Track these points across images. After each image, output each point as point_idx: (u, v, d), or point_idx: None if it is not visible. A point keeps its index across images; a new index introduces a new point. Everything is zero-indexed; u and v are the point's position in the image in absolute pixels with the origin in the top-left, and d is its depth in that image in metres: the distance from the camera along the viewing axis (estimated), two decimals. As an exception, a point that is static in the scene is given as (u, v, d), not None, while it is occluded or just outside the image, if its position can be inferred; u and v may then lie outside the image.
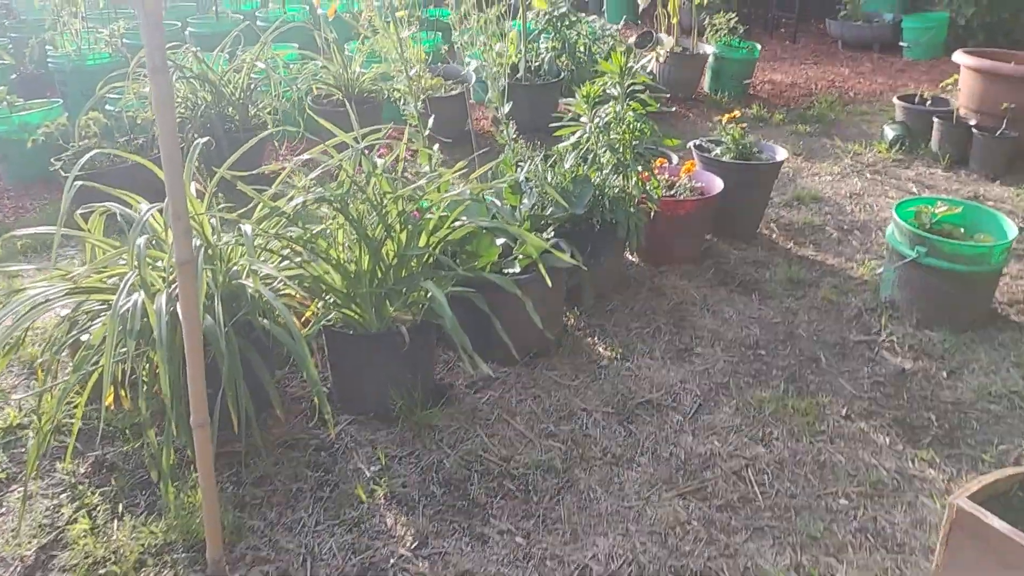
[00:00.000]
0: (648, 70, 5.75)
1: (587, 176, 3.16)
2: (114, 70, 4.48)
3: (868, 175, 4.71)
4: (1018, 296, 3.41)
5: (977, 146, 4.66)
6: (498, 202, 3.19)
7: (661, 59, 3.35)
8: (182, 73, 4.35)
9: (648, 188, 3.27)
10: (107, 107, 4.58)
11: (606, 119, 3.18)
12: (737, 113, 3.96)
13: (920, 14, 7.26)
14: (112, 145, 4.32)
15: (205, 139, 2.80)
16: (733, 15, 6.09)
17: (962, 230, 3.26)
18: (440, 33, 6.94)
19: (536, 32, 5.49)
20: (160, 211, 2.33)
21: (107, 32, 5.29)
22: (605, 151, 3.19)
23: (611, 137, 3.19)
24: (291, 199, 2.58)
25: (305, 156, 2.73)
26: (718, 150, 3.87)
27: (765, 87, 6.36)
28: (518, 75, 5.18)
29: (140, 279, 2.20)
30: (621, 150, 3.18)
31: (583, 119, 3.27)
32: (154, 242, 2.46)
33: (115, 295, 2.16)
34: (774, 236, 3.97)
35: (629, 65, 3.17)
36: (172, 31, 6.31)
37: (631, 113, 3.18)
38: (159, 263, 2.41)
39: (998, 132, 4.60)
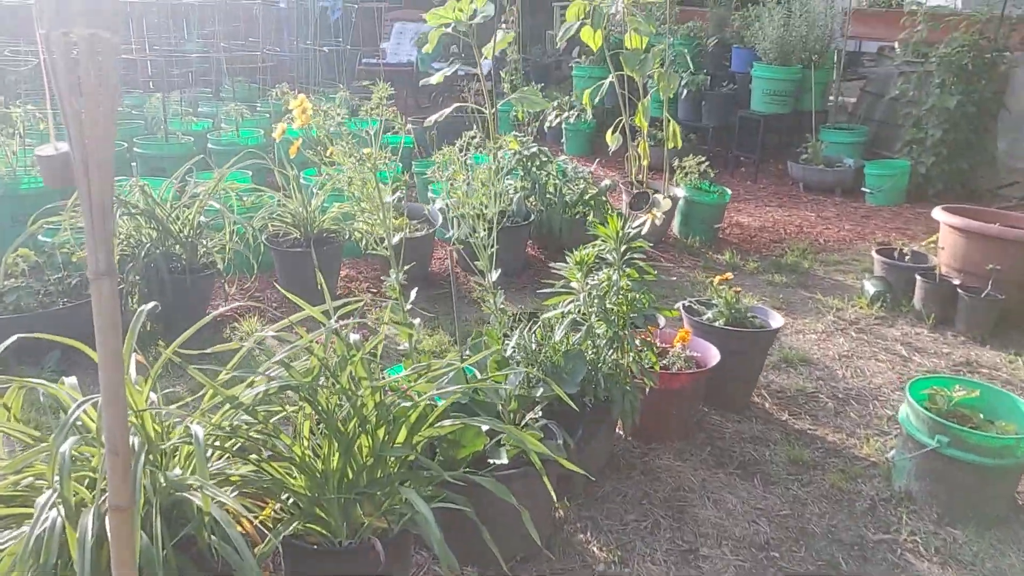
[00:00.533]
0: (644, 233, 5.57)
1: (580, 351, 2.85)
2: (51, 199, 4.12)
3: (853, 334, 4.50)
4: (1037, 485, 3.15)
5: (963, 307, 4.50)
6: (478, 372, 2.87)
7: (659, 222, 3.12)
8: (127, 210, 4.00)
9: (644, 362, 2.97)
10: (42, 237, 4.19)
11: (601, 289, 2.90)
12: (729, 275, 3.72)
13: (882, 161, 7.29)
14: (43, 285, 3.92)
15: (151, 305, 2.43)
16: (702, 158, 6.00)
17: (981, 415, 3.02)
18: (399, 162, 6.74)
19: (505, 171, 5.28)
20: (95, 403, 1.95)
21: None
22: (600, 323, 2.89)
23: (606, 307, 2.90)
24: (250, 384, 2.22)
25: (270, 333, 2.36)
26: (709, 314, 3.61)
27: (734, 231, 6.23)
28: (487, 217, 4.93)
29: (62, 497, 1.79)
30: (617, 322, 2.89)
31: (574, 285, 2.99)
32: (86, 429, 2.06)
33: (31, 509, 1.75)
34: (767, 405, 3.69)
35: (627, 231, 2.91)
36: (118, 152, 5.98)
37: (627, 281, 2.91)
38: (90, 457, 2.01)
39: (984, 293, 4.45)
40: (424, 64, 11.45)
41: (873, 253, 5.08)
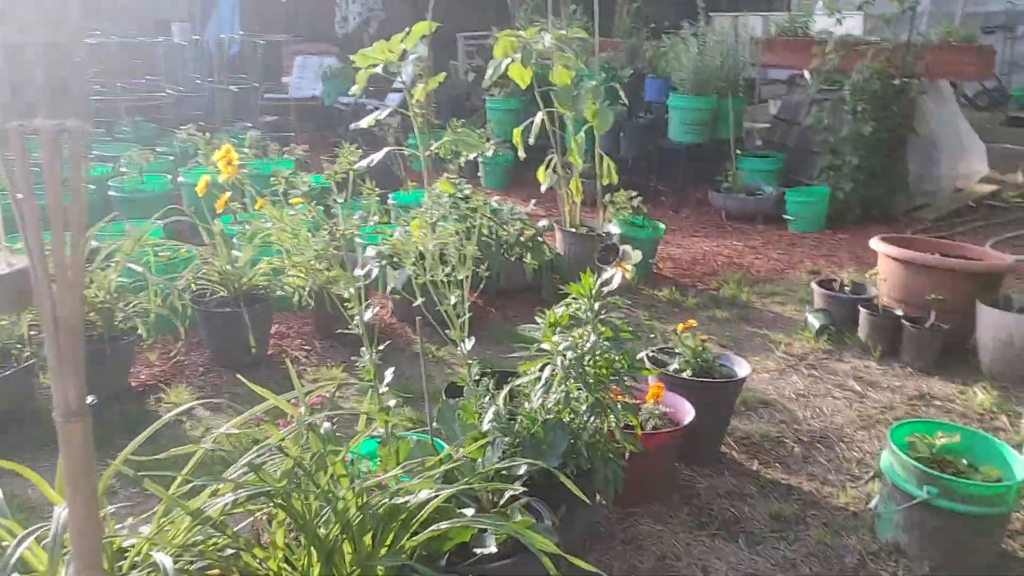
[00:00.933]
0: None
1: (560, 420, 2.66)
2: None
3: (804, 370, 4.44)
4: (1017, 527, 3.10)
5: (908, 338, 4.50)
6: (445, 444, 2.65)
7: (629, 275, 2.96)
8: (35, 276, 3.62)
9: (625, 426, 2.80)
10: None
11: (578, 351, 2.71)
12: (694, 323, 3.59)
13: (802, 188, 7.37)
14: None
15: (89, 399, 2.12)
16: (633, 192, 5.91)
17: (964, 460, 2.96)
18: (321, 205, 6.44)
19: (439, 215, 5.07)
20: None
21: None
22: (577, 387, 2.71)
23: (584, 370, 2.72)
24: (215, 492, 1.95)
25: (230, 430, 2.09)
26: (675, 364, 3.48)
27: (668, 265, 6.16)
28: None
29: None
30: (596, 386, 2.72)
31: (546, 346, 2.81)
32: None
33: None
34: (735, 455, 3.57)
35: (600, 288, 2.75)
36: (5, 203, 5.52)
37: (606, 342, 2.73)
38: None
39: (928, 324, 4.46)
40: (330, 98, 11.15)
41: (813, 285, 5.06)
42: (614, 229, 5.68)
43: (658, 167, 8.09)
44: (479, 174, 8.86)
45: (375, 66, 4.36)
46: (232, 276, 4.15)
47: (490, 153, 8.35)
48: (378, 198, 6.41)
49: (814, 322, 4.84)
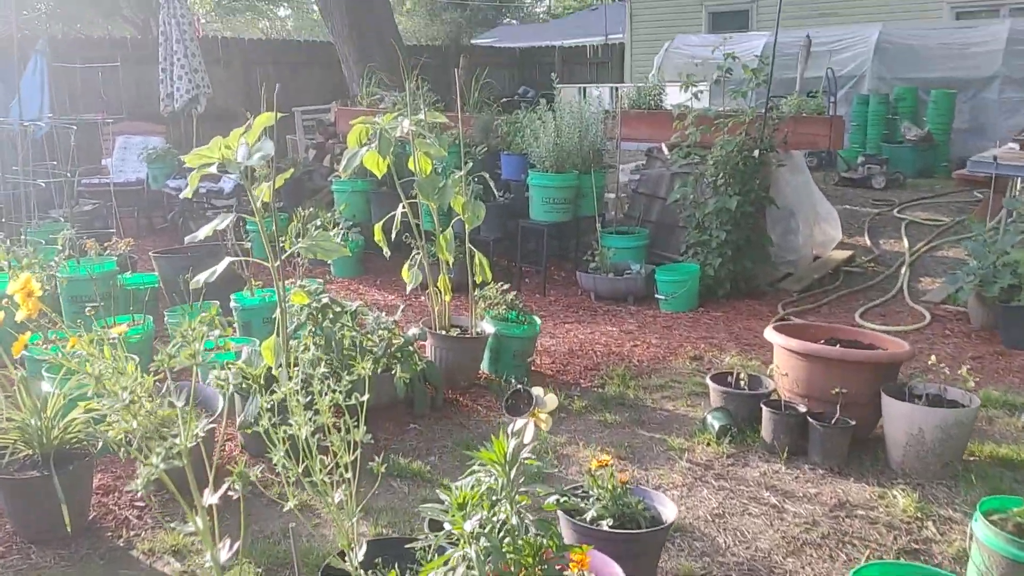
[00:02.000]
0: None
1: (480, 631, 2.09)
2: None
3: (713, 482, 4.04)
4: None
5: (815, 436, 4.19)
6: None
7: (545, 427, 2.44)
8: None
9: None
10: None
11: (490, 532, 2.16)
12: (608, 459, 3.11)
13: (672, 266, 7.13)
14: None
15: None
16: (505, 284, 5.46)
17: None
18: (150, 315, 5.64)
19: (292, 327, 4.42)
20: None
21: None
22: (498, 583, 2.15)
23: (506, 555, 2.16)
24: None
25: None
26: (592, 511, 2.97)
27: (544, 360, 5.70)
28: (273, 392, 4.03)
29: None
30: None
31: (451, 528, 2.24)
32: None
33: None
34: (664, 606, 3.09)
35: (514, 452, 2.22)
36: None
37: (528, 518, 2.19)
38: None
39: (833, 420, 4.17)
40: (157, 182, 10.23)
41: (708, 381, 4.70)
42: (488, 327, 5.19)
43: (522, 248, 7.70)
44: (328, 262, 8.22)
45: (209, 165, 3.74)
46: (38, 431, 3.35)
47: (339, 240, 7.77)
48: (216, 305, 5.69)
49: (714, 423, 4.47)
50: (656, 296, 6.91)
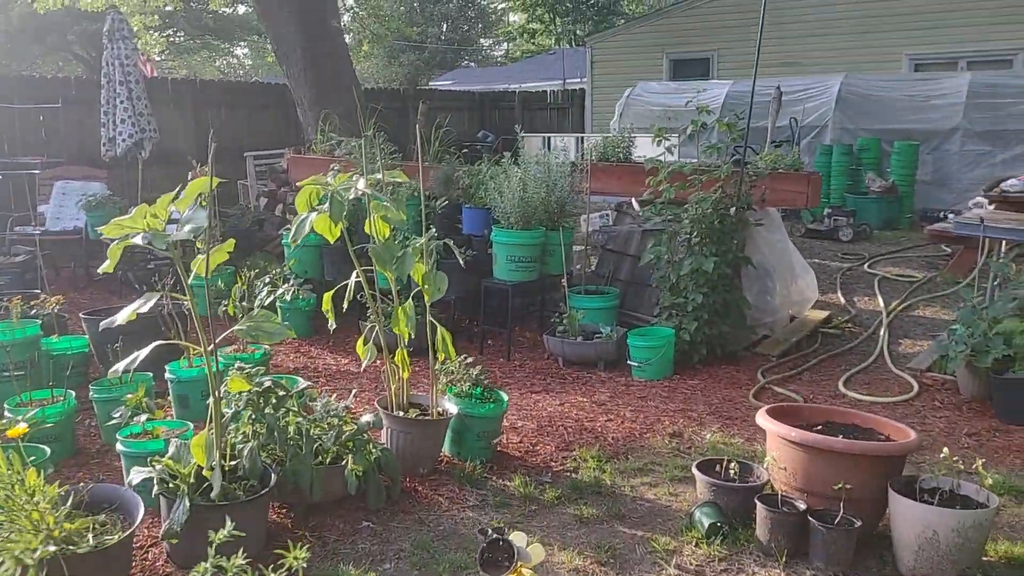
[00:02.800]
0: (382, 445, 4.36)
1: None
2: None
3: (707, 594, 3.59)
4: None
5: (817, 539, 3.75)
6: None
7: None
8: None
9: None
10: None
11: None
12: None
13: (645, 330, 6.71)
14: None
15: None
16: (469, 358, 4.99)
17: None
18: (70, 391, 5.06)
19: (229, 414, 3.90)
20: None
21: None
22: None
23: None
24: None
25: None
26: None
27: (512, 439, 5.22)
28: (210, 492, 3.50)
29: None
30: None
31: None
32: None
33: None
34: None
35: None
36: None
37: None
38: None
39: (837, 519, 3.75)
40: (96, 232, 9.61)
41: (695, 471, 4.26)
42: (451, 407, 4.71)
43: (485, 309, 7.24)
44: (284, 320, 7.67)
45: (132, 236, 3.25)
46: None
47: (288, 297, 7.26)
48: (149, 377, 5.16)
49: (703, 519, 4.02)
50: (628, 362, 6.48)
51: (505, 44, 46.81)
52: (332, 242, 4.45)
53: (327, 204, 4.18)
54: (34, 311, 6.54)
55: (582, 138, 11.00)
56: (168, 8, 21.72)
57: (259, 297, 7.26)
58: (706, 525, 3.99)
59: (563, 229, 7.08)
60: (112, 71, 9.83)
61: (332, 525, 4.03)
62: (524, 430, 5.39)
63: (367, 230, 4.59)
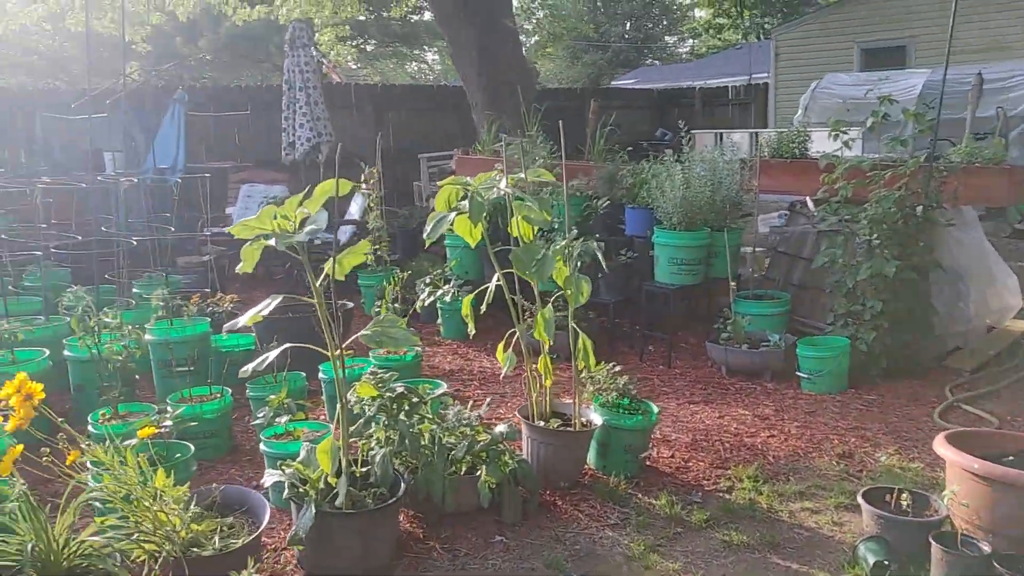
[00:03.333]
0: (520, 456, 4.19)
1: None
2: None
3: (866, 642, 3.18)
4: None
5: (1006, 588, 3.27)
6: None
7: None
8: None
9: None
10: None
11: None
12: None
13: (816, 338, 6.22)
14: None
15: None
16: (616, 366, 4.75)
17: None
18: (227, 388, 5.20)
19: (363, 420, 3.85)
20: None
21: None
22: None
23: None
24: None
25: None
26: None
27: (662, 453, 4.93)
28: (336, 499, 3.45)
29: None
30: None
31: None
32: None
33: None
34: None
35: None
36: None
37: None
38: None
39: (1029, 566, 3.25)
40: (277, 232, 10.03)
41: (860, 500, 3.84)
42: (595, 417, 4.49)
43: (646, 313, 6.95)
44: (438, 321, 7.71)
45: (266, 237, 3.24)
46: (45, 554, 2.87)
47: (448, 299, 7.26)
48: (302, 377, 5.23)
49: (868, 556, 3.60)
50: (797, 373, 6.02)
51: (690, 41, 45.77)
52: (473, 245, 4.33)
53: (466, 204, 4.05)
54: (210, 309, 6.84)
55: (756, 133, 10.43)
56: (361, 18, 22.62)
57: (420, 298, 7.30)
58: (871, 563, 3.56)
59: (729, 230, 6.68)
60: (292, 78, 10.24)
61: (464, 537, 3.90)
62: (677, 443, 5.08)
63: (511, 232, 4.44)
